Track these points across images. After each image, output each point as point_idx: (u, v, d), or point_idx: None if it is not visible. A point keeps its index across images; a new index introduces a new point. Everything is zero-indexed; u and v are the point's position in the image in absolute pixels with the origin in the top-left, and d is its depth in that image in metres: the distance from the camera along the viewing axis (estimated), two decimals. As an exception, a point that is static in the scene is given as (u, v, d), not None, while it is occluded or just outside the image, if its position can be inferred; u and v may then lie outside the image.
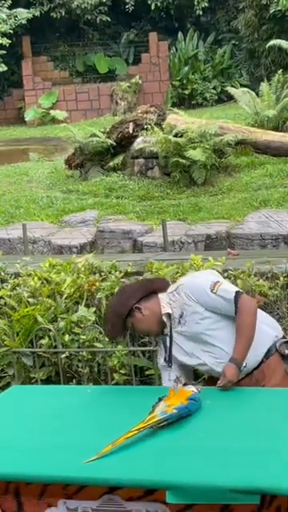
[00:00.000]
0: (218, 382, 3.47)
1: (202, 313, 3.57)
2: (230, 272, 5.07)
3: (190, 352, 3.66)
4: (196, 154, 10.02)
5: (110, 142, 11.25)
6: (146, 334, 3.79)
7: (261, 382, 3.58)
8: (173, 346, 3.69)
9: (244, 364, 3.50)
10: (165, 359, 3.72)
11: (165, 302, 3.65)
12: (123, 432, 2.98)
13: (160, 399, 3.22)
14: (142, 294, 3.67)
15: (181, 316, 3.61)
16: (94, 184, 11.04)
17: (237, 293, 3.57)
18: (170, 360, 3.69)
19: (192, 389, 3.30)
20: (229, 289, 3.60)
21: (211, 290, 3.57)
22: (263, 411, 3.27)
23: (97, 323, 5.19)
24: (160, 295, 3.69)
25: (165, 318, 3.65)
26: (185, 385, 3.36)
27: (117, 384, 4.99)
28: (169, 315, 3.65)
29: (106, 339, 4.94)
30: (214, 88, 19.70)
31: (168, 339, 3.70)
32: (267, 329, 3.64)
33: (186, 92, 19.63)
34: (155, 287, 3.74)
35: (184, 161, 10.18)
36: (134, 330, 3.74)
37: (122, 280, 5.42)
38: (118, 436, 2.95)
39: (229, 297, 3.55)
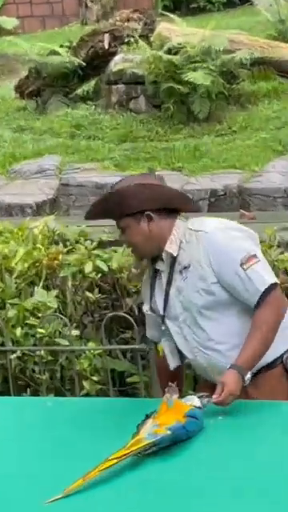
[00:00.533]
0: (215, 394, 3.44)
1: (209, 284, 3.56)
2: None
3: (174, 312, 3.70)
4: (197, 77, 9.97)
5: (77, 61, 11.17)
6: (132, 249, 3.77)
7: (252, 397, 3.59)
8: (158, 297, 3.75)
9: (248, 375, 3.49)
10: (151, 308, 3.79)
11: (176, 237, 3.65)
12: (97, 461, 2.97)
13: (147, 416, 3.22)
14: (164, 205, 3.67)
15: (185, 268, 3.63)
16: (56, 119, 10.98)
17: (271, 285, 3.53)
18: (165, 308, 3.73)
19: (192, 402, 3.30)
20: (264, 276, 3.54)
21: (241, 264, 3.53)
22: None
23: (60, 312, 5.18)
24: (178, 221, 3.70)
25: (164, 255, 3.67)
26: (180, 395, 3.37)
27: (87, 395, 5.00)
28: (172, 257, 3.65)
29: (73, 334, 4.93)
30: (221, -14, 19.55)
31: (161, 280, 3.74)
32: (285, 333, 3.64)
33: (184, -8, 19.47)
34: (181, 206, 3.75)
35: (180, 87, 10.13)
36: (122, 234, 3.71)
37: (95, 252, 5.41)
38: (90, 466, 2.95)
39: (259, 286, 3.51)
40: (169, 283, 3.70)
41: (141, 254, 3.76)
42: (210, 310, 3.60)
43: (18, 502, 2.90)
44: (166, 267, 3.69)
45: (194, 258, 3.59)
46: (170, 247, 3.63)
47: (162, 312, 3.75)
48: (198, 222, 3.71)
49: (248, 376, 3.46)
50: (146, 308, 3.86)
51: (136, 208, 3.62)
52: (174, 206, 3.71)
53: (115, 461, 2.97)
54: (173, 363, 3.80)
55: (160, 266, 3.72)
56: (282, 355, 3.63)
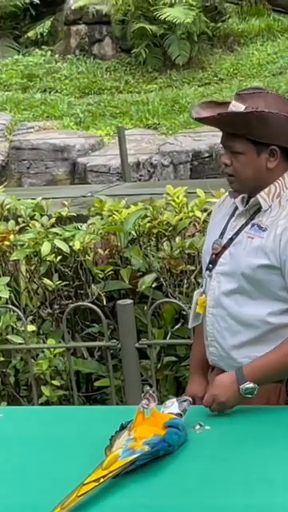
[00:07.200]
0: (206, 395, 3.56)
1: (270, 271, 3.60)
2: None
3: (220, 262, 3.73)
4: (175, 13, 10.00)
5: (28, -4, 11.14)
6: (232, 178, 3.71)
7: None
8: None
9: (251, 387, 3.55)
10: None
11: (276, 191, 3.66)
12: (70, 483, 2.98)
13: (123, 426, 3.24)
14: None
15: (259, 227, 3.65)
16: (4, 68, 11.02)
17: None
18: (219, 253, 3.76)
19: (171, 410, 3.33)
20: None
21: None
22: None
23: (12, 303, 5.18)
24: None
25: (253, 200, 3.67)
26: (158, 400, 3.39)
27: (48, 404, 5.01)
28: (258, 208, 3.68)
29: (28, 330, 4.94)
30: None
31: (233, 223, 3.76)
32: None
33: None
34: None
35: (154, 27, 10.17)
36: (229, 154, 3.67)
37: (53, 230, 5.42)
38: (63, 491, 2.95)
39: None
40: (237, 233, 3.72)
41: (240, 187, 3.73)
42: (251, 285, 3.65)
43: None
44: (246, 213, 3.73)
45: (273, 231, 3.62)
46: (263, 197, 3.66)
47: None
48: None
49: (247, 386, 3.53)
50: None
51: (269, 139, 3.62)
52: None
53: (94, 484, 2.98)
54: (192, 321, 3.88)
55: (241, 206, 3.74)
56: None
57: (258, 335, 3.62)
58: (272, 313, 3.60)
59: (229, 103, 3.75)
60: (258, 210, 3.67)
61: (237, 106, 3.61)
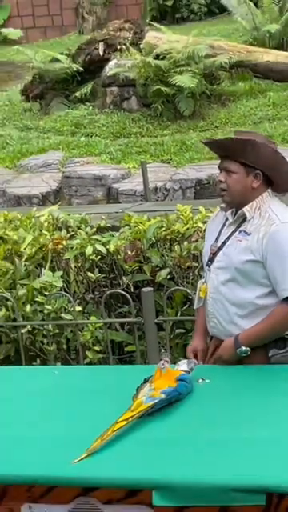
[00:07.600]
0: (209, 352, 3.70)
1: (255, 264, 3.59)
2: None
3: (217, 260, 3.71)
4: (182, 79, 9.95)
5: (75, 66, 11.14)
6: (225, 192, 3.68)
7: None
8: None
9: (244, 349, 3.59)
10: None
11: (257, 205, 3.65)
12: (108, 422, 2.99)
13: (145, 380, 3.27)
14: (272, 173, 3.66)
15: (245, 232, 3.64)
16: (58, 119, 10.95)
17: None
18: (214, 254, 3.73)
19: (182, 367, 3.35)
20: None
21: None
22: (268, 394, 3.29)
23: (65, 290, 5.18)
24: (266, 193, 3.68)
25: (239, 212, 3.66)
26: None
27: (90, 363, 5.01)
28: (244, 219, 3.67)
29: (76, 310, 4.94)
30: (202, -3, 19.44)
31: (226, 231, 3.74)
32: None
33: (169, 3, 19.36)
34: (283, 184, 3.74)
35: (167, 89, 10.11)
36: (225, 174, 3.66)
37: (95, 237, 5.42)
38: (102, 427, 2.96)
39: None
40: (228, 237, 3.72)
41: (230, 199, 3.71)
42: (241, 276, 3.65)
43: (48, 463, 2.90)
44: (234, 223, 3.72)
45: (256, 235, 3.61)
46: (248, 210, 3.65)
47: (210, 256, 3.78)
48: (280, 208, 3.69)
49: (243, 349, 3.59)
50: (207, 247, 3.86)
51: (256, 164, 3.63)
52: (279, 181, 3.71)
53: (124, 422, 3.01)
54: (197, 303, 3.88)
55: (230, 218, 3.73)
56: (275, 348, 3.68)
57: (247, 313, 3.63)
58: (258, 296, 3.60)
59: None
60: (244, 220, 3.67)
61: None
